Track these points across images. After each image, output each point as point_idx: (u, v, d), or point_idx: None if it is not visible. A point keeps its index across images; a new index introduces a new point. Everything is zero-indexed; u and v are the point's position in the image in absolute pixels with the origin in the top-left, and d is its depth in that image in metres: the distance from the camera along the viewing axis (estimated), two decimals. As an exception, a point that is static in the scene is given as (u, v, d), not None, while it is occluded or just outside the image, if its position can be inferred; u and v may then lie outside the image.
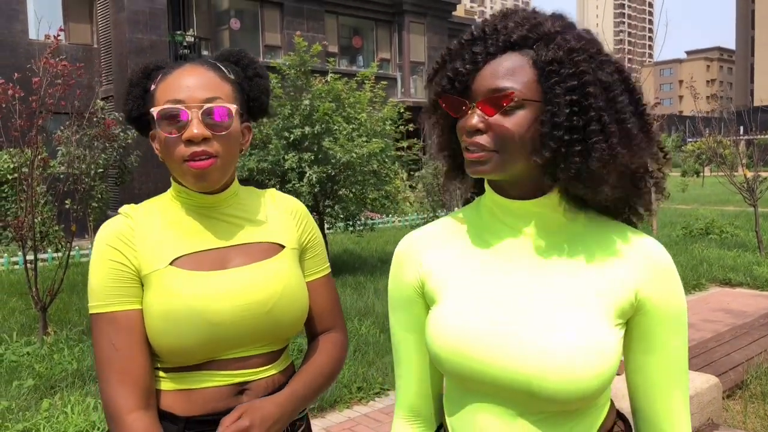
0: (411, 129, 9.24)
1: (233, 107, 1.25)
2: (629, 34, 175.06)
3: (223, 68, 1.29)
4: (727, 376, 3.91)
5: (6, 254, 10.49)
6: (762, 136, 17.94)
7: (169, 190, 1.34)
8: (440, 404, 1.18)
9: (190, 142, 1.19)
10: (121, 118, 11.21)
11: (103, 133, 6.63)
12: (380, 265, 9.30)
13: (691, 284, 7.87)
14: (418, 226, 14.42)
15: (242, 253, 1.29)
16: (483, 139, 0.98)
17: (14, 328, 6.07)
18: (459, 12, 25.10)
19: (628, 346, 1.06)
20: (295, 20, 18.31)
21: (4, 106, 5.05)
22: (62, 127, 7.22)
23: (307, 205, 8.09)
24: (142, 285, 1.24)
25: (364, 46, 21.29)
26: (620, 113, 0.98)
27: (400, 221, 15.61)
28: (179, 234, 1.27)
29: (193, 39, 16.43)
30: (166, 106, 1.20)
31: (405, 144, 9.25)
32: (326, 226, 9.37)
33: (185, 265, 1.24)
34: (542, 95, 0.98)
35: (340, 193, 8.26)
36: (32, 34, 14.99)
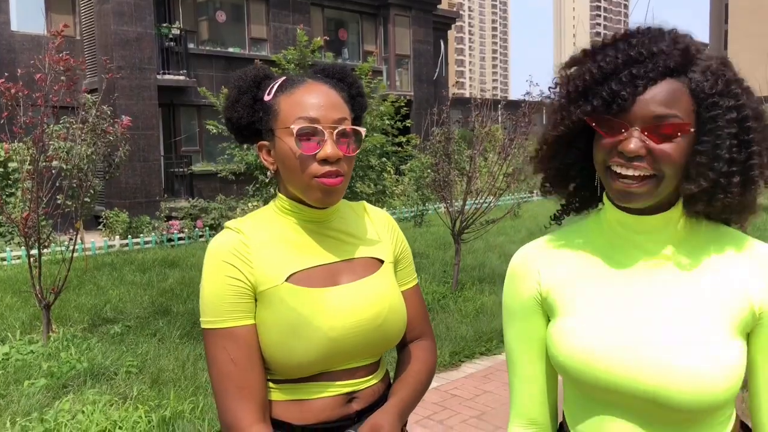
0: (408, 125, 9.28)
1: (363, 131, 1.30)
2: (605, 27, 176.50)
3: (341, 87, 1.33)
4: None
5: (9, 249, 10.33)
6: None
7: (272, 203, 1.37)
8: (555, 412, 1.23)
9: (325, 161, 1.23)
10: (109, 112, 11.05)
11: (108, 130, 6.55)
12: (375, 259, 9.33)
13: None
14: (406, 219, 14.58)
15: (348, 269, 1.33)
16: (643, 164, 1.00)
17: (15, 326, 6.01)
18: (443, 5, 25.14)
19: (752, 360, 1.06)
20: (281, 12, 18.18)
21: (9, 103, 4.98)
22: (65, 124, 7.08)
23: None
24: (255, 300, 1.26)
25: (349, 38, 21.22)
26: (753, 147, 1.02)
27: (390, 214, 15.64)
28: (291, 250, 1.30)
29: (178, 31, 16.23)
30: (305, 125, 1.23)
31: (403, 140, 9.28)
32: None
33: (300, 281, 1.27)
34: (697, 123, 1.01)
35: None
36: (14, 26, 14.71)
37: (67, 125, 6.06)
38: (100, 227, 13.70)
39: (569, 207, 1.25)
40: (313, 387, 1.28)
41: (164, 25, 16.07)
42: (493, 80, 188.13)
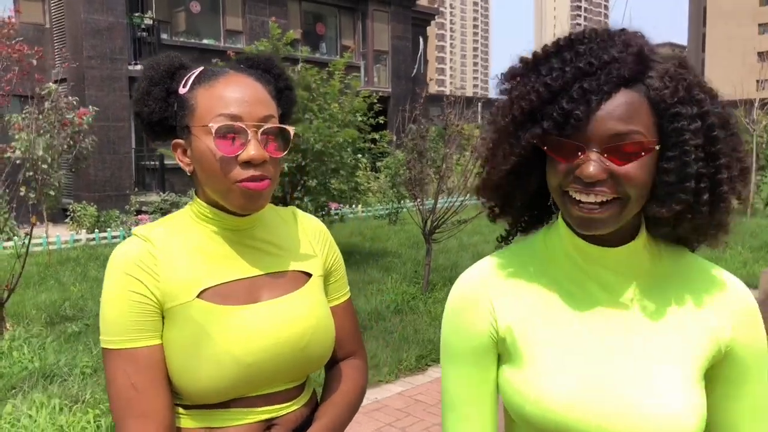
0: (382, 122, 9.15)
1: (291, 129, 1.16)
2: (585, 26, 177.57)
3: (266, 79, 1.19)
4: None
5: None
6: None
7: (188, 207, 1.23)
8: None
9: (248, 163, 1.09)
10: (75, 102, 10.78)
11: (67, 122, 6.34)
12: (347, 257, 9.16)
13: None
14: (381, 216, 14.47)
15: (270, 284, 1.19)
16: (604, 189, 0.89)
17: (-32, 324, 5.78)
18: (423, 1, 25.02)
19: (713, 393, 1.00)
20: (257, 4, 17.92)
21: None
22: (22, 114, 6.84)
23: (276, 196, 7.94)
24: (163, 317, 1.13)
25: (326, 33, 21.02)
26: (738, 152, 0.93)
27: (363, 211, 15.53)
28: (206, 262, 1.16)
29: (151, 21, 15.92)
30: (225, 123, 1.09)
31: (376, 136, 9.15)
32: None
33: (214, 298, 1.13)
34: (660, 137, 0.90)
35: (309, 184, 8.13)
36: (-20, 12, 14.30)
37: (25, 115, 5.82)
38: (67, 221, 13.39)
39: (516, 228, 1.14)
40: (226, 414, 1.14)
41: (137, 14, 15.76)
42: (474, 77, 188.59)
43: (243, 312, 1.14)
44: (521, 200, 1.05)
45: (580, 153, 0.89)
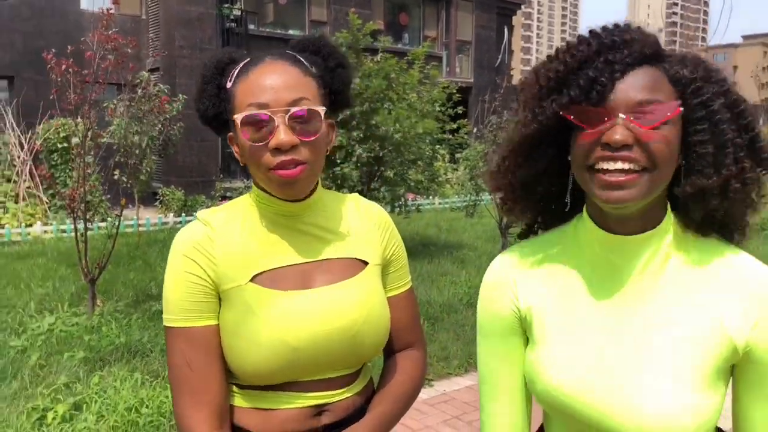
0: (460, 112, 9.06)
1: (321, 109, 1.14)
2: (681, 16, 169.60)
3: (304, 62, 1.18)
4: None
5: (56, 222, 10.71)
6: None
7: (248, 194, 1.25)
8: None
9: (277, 150, 1.10)
10: (167, 91, 11.26)
11: (156, 109, 6.63)
12: (421, 248, 9.20)
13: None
14: (458, 209, 14.34)
15: (325, 271, 1.20)
16: (632, 154, 0.90)
17: (65, 298, 6.18)
18: (508, -10, 24.49)
19: (736, 394, 0.99)
20: (342, -5, 18.11)
21: (59, 79, 5.06)
22: (115, 101, 7.22)
23: (355, 189, 8.01)
24: (219, 299, 1.16)
25: (410, 23, 20.98)
26: (756, 129, 0.96)
27: (440, 203, 15.46)
28: (260, 246, 1.18)
29: (240, 12, 16.39)
30: (249, 112, 1.10)
31: (454, 126, 9.06)
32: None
33: (266, 282, 1.15)
34: (685, 112, 0.94)
35: (386, 174, 8.15)
36: (83, 4, 15.14)
37: (115, 102, 6.14)
38: (156, 204, 14.04)
39: (535, 226, 1.18)
40: (278, 396, 1.17)
41: (226, 5, 16.25)
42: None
43: (294, 297, 1.15)
44: (536, 192, 1.07)
45: (606, 118, 0.91)
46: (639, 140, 0.90)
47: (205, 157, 15.63)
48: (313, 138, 1.13)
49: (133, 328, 5.29)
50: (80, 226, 5.73)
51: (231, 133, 1.20)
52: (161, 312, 4.98)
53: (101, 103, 6.56)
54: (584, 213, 1.05)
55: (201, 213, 1.21)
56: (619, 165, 0.90)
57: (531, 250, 1.13)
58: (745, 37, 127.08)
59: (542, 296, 1.07)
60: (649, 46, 0.95)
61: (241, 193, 13.57)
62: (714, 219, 0.98)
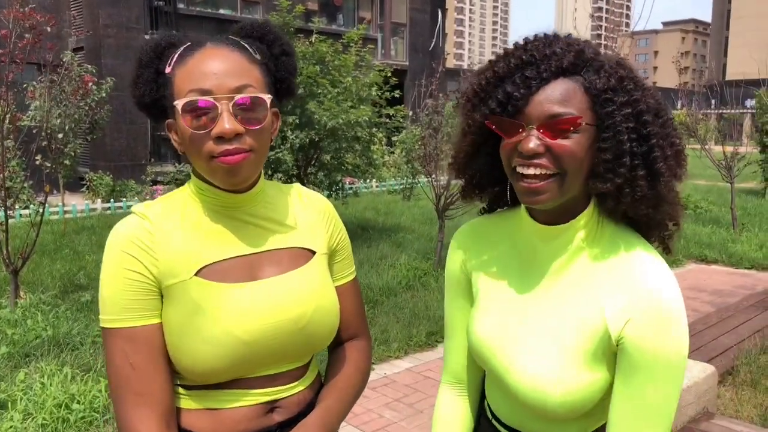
0: (397, 96, 9.04)
1: (267, 97, 1.10)
2: (607, 1, 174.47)
3: (248, 48, 1.14)
4: (717, 361, 3.93)
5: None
6: (731, 111, 18.26)
7: (186, 185, 1.20)
8: (480, 374, 1.33)
9: (220, 138, 1.05)
10: (94, 71, 10.77)
11: (78, 89, 6.31)
12: (360, 232, 9.20)
13: (670, 261, 7.94)
14: (395, 192, 14.42)
15: (271, 261, 1.16)
16: (543, 162, 1.02)
17: (-17, 290, 5.86)
18: (442, -27, 24.56)
19: (614, 385, 1.06)
20: (274, -25, 17.74)
21: (-29, 59, 4.74)
22: (34, 82, 6.82)
23: (290, 173, 7.90)
24: (162, 296, 1.11)
25: (344, 4, 20.77)
26: (671, 137, 1.06)
27: (377, 186, 15.48)
28: (203, 239, 1.13)
29: (168, -9, 15.81)
30: (190, 98, 1.05)
31: (391, 111, 9.04)
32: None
33: (212, 275, 1.11)
34: (596, 121, 1.03)
35: (323, 159, 8.07)
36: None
37: (34, 84, 5.80)
38: (83, 189, 13.49)
39: (495, 206, 1.30)
40: (227, 395, 1.13)
41: (153, -17, 15.64)
42: (493, 53, 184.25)
43: (242, 290, 1.11)
44: (490, 183, 1.21)
45: (520, 130, 1.02)
46: (549, 149, 1.01)
47: (134, 140, 15.09)
48: (258, 126, 1.09)
49: (61, 320, 5.06)
50: (0, 214, 5.42)
51: (170, 120, 1.14)
52: (91, 302, 4.80)
53: (19, 84, 6.21)
54: (523, 206, 1.17)
55: (136, 207, 1.15)
56: (533, 171, 1.02)
57: (483, 222, 1.28)
58: (664, 23, 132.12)
59: (482, 264, 1.24)
60: (566, 59, 1.02)
61: (173, 178, 13.18)
62: (623, 213, 1.09)
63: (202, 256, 1.11)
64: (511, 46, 1.11)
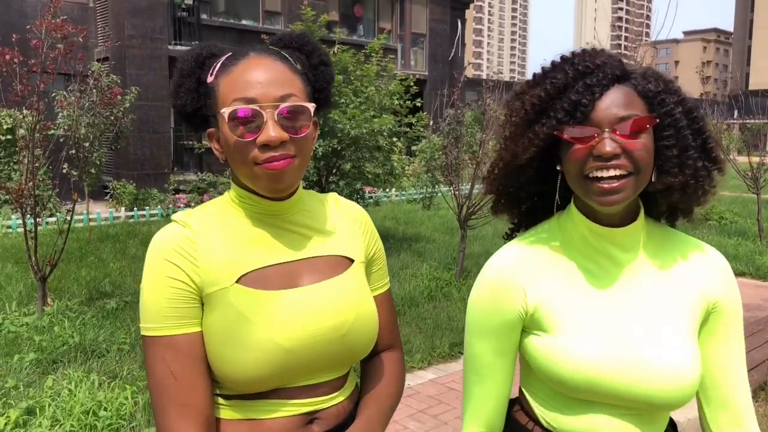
0: (418, 104, 9.06)
1: (311, 106, 1.12)
2: (627, 12, 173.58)
3: (289, 58, 1.15)
4: (749, 376, 3.85)
5: (0, 218, 10.29)
6: (755, 121, 18.05)
7: (226, 193, 1.21)
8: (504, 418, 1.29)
9: (266, 146, 1.06)
10: (119, 81, 10.92)
11: (106, 100, 6.39)
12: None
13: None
14: (415, 201, 14.40)
15: (311, 269, 1.17)
16: (621, 162, 1.06)
17: (12, 297, 5.94)
18: (462, -17, 24.60)
19: (707, 341, 1.18)
20: (296, -14, 17.87)
21: (4, 69, 4.83)
22: (64, 92, 6.91)
23: (311, 180, 7.93)
24: (203, 304, 1.11)
25: (364, 15, 20.87)
26: (706, 132, 1.13)
27: (397, 195, 15.49)
28: (244, 246, 1.14)
29: (191, 1, 16.00)
30: (237, 107, 1.07)
31: (413, 120, 9.06)
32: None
33: (253, 283, 1.11)
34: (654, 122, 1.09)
35: (345, 168, 8.10)
36: (26, -9, 14.55)
37: (64, 93, 5.89)
38: (107, 198, 13.65)
39: (520, 225, 1.33)
40: (267, 405, 1.12)
41: (177, -6, 15.85)
42: (511, 62, 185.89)
43: (283, 297, 1.11)
44: (523, 198, 1.26)
45: (595, 135, 1.07)
46: (625, 149, 1.06)
47: (157, 149, 15.25)
48: (302, 134, 1.11)
49: (87, 327, 5.12)
50: (29, 222, 5.51)
51: (211, 129, 1.16)
52: (116, 309, 4.85)
53: (49, 93, 6.32)
54: (573, 208, 1.19)
55: (176, 215, 1.16)
56: (612, 172, 1.06)
57: (527, 249, 1.22)
58: (686, 33, 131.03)
59: (549, 290, 1.17)
60: (617, 68, 1.10)
61: (195, 186, 13.30)
62: (673, 209, 1.21)
63: (243, 264, 1.12)
64: (551, 62, 1.16)
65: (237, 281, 1.10)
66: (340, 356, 1.17)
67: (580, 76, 1.09)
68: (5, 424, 3.42)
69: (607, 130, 1.06)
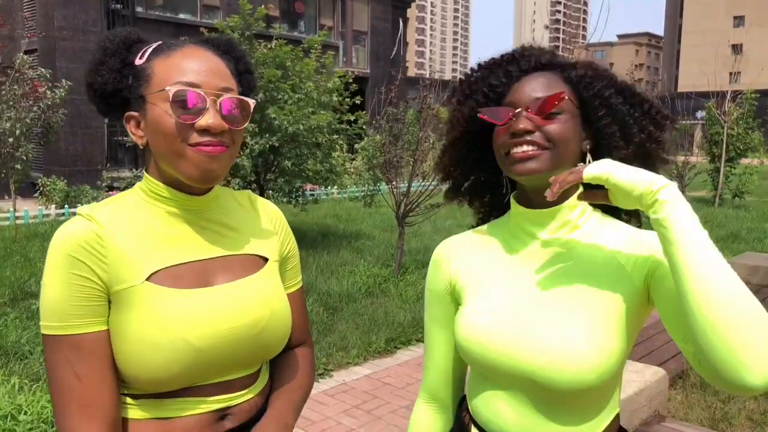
0: (358, 102, 9.05)
1: (252, 102, 1.13)
2: (564, 14, 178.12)
3: (225, 58, 1.16)
4: (668, 365, 4.02)
5: None
6: (683, 122, 18.81)
7: (137, 186, 1.17)
8: (458, 392, 1.34)
9: (205, 131, 1.06)
10: (48, 75, 10.50)
11: (30, 93, 6.11)
12: (321, 239, 9.16)
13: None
14: (357, 199, 14.39)
15: (224, 267, 1.15)
16: (535, 138, 1.09)
17: (-73, 299, 5.64)
18: (403, -18, 24.71)
19: (662, 302, 1.06)
20: (235, -20, 17.58)
21: None
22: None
23: (248, 180, 7.82)
24: (110, 302, 1.07)
25: (306, 11, 20.73)
26: (648, 100, 1.18)
27: (338, 193, 15.45)
28: (155, 243, 1.11)
29: (125, -7, 15.53)
30: (183, 88, 1.05)
31: (352, 117, 9.04)
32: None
33: (164, 281, 1.08)
34: (580, 105, 1.14)
35: (282, 165, 8.02)
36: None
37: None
38: (36, 195, 13.12)
39: (480, 215, 1.38)
40: (177, 403, 1.10)
41: (111, -15, 15.35)
42: (453, 62, 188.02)
43: (195, 295, 1.09)
44: (468, 178, 1.31)
45: (510, 113, 1.12)
46: (539, 126, 1.10)
47: (90, 145, 14.75)
48: (240, 127, 1.12)
49: (10, 328, 4.91)
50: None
51: (131, 112, 1.13)
52: (41, 311, 4.61)
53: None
54: (512, 198, 1.24)
55: (82, 208, 1.11)
56: (525, 147, 1.10)
57: (467, 235, 1.31)
58: (619, 36, 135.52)
59: (470, 265, 1.24)
60: (543, 57, 1.16)
61: (129, 183, 12.94)
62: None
63: (153, 261, 1.09)
64: (474, 58, 1.27)
65: (147, 279, 1.07)
66: (254, 354, 1.16)
67: (502, 63, 1.17)
68: None
69: (520, 109, 1.11)
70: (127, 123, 1.14)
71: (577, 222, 1.17)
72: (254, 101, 1.15)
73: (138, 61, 1.12)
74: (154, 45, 1.14)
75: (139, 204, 1.14)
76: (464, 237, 1.31)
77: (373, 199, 13.58)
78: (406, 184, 6.99)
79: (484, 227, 1.31)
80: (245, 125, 1.14)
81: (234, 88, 1.13)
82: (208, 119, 1.05)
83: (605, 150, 1.15)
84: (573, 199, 1.16)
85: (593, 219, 1.19)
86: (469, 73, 1.24)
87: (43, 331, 1.06)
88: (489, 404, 1.18)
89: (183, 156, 1.07)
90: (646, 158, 1.18)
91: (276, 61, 7.81)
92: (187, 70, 1.08)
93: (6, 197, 11.51)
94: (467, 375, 1.33)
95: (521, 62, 1.16)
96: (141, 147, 1.14)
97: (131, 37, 1.16)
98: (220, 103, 1.07)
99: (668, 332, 1.09)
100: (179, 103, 1.05)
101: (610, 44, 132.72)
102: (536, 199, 1.17)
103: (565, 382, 1.06)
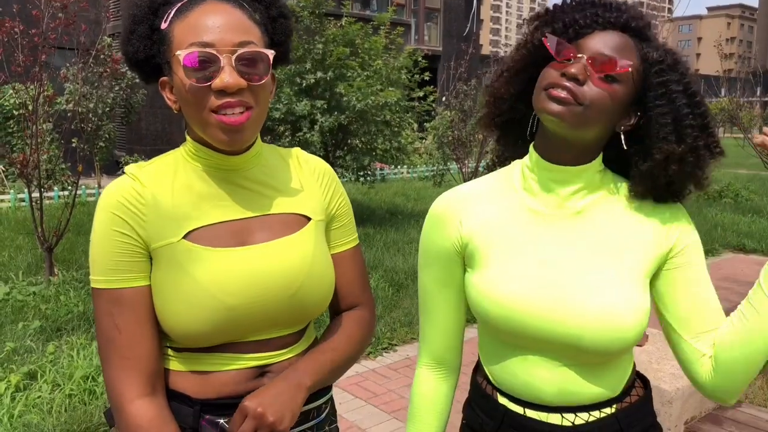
0: (427, 78, 8.96)
1: (270, 53, 1.08)
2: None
3: (248, 7, 1.12)
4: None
5: (13, 191, 10.41)
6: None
7: (181, 147, 1.18)
8: (461, 353, 1.30)
9: (222, 92, 1.03)
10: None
11: (110, 71, 6.38)
12: (389, 217, 9.19)
13: (705, 249, 7.73)
14: (427, 178, 14.32)
15: (264, 227, 1.14)
16: (577, 90, 1.04)
17: (20, 267, 6.03)
18: (477, -43, 24.22)
19: (663, 291, 1.13)
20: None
21: (5, 39, 4.83)
22: (68, 64, 6.90)
23: (318, 155, 7.91)
24: (151, 258, 1.10)
25: (378, -11, 20.67)
26: (708, 117, 1.10)
27: (408, 173, 15.43)
28: (195, 201, 1.11)
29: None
30: (193, 50, 1.03)
31: (420, 93, 8.96)
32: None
33: (201, 239, 1.09)
34: (640, 86, 1.08)
35: (352, 143, 8.06)
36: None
37: (67, 65, 5.89)
38: (119, 172, 13.76)
39: (500, 156, 1.31)
40: (216, 358, 1.12)
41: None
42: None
43: (229, 254, 1.10)
44: (507, 110, 1.21)
45: (572, 54, 1.06)
46: (587, 81, 1.05)
47: (169, 124, 15.30)
48: (261, 82, 1.07)
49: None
50: (35, 193, 5.56)
51: (164, 78, 1.13)
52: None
53: (52, 66, 6.33)
54: (531, 148, 1.17)
55: (128, 167, 1.13)
56: (563, 93, 1.04)
57: (478, 185, 1.23)
58: (709, 9, 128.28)
59: (483, 223, 1.17)
60: (636, 22, 1.09)
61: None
62: (669, 185, 1.13)
63: (191, 220, 1.10)
64: None
65: (184, 237, 1.09)
66: (291, 315, 1.15)
67: (596, 5, 1.10)
68: (5, 388, 3.49)
69: (582, 55, 1.05)
70: (163, 89, 1.14)
71: (600, 183, 1.15)
72: (272, 52, 1.10)
73: (163, 26, 1.10)
74: (177, 5, 1.11)
75: (180, 164, 1.16)
76: (469, 191, 1.22)
77: (442, 179, 13.50)
78: (475, 164, 6.89)
79: (488, 178, 1.24)
80: (267, 79, 1.09)
81: (256, 40, 1.08)
82: (223, 78, 1.02)
83: (649, 139, 1.09)
84: (596, 162, 1.14)
85: (615, 183, 1.17)
86: (561, 2, 1.16)
87: (92, 285, 1.10)
88: (518, 372, 1.14)
89: (207, 124, 1.06)
90: (687, 168, 1.10)
91: (345, 39, 7.82)
92: (202, 29, 1.05)
93: (92, 174, 12.12)
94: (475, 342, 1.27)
95: (613, 13, 1.09)
96: (176, 111, 1.14)
97: (157, 1, 1.14)
98: (236, 60, 1.04)
99: (661, 318, 1.15)
100: (191, 65, 1.03)
101: (699, 17, 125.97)
102: (559, 156, 1.12)
103: (611, 344, 1.06)
